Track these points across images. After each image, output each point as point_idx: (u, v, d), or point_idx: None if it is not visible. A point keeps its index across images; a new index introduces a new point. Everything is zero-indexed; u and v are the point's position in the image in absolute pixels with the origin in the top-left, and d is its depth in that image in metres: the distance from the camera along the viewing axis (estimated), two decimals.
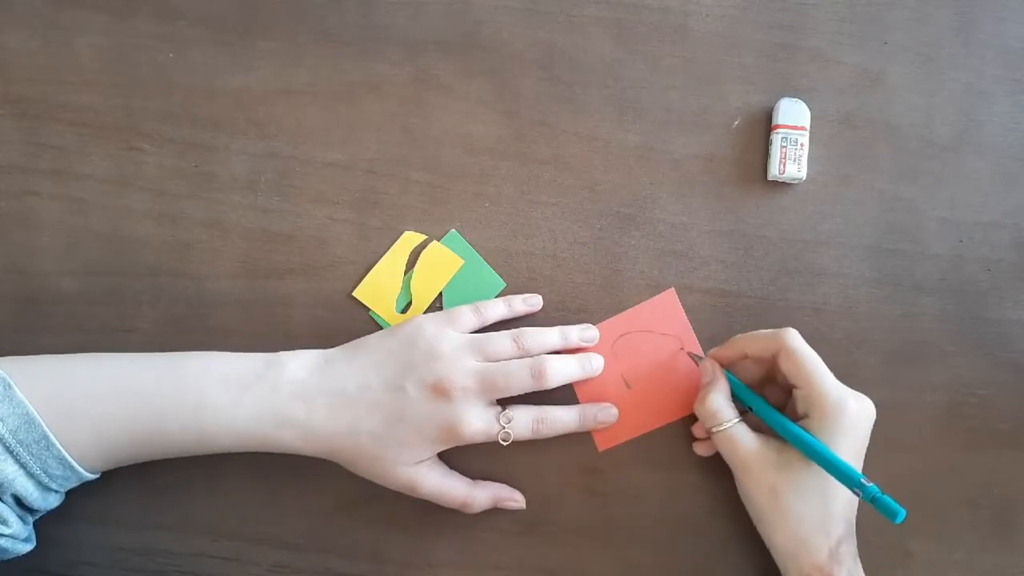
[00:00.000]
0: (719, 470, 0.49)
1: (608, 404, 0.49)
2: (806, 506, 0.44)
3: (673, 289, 0.51)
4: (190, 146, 0.52)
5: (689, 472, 0.50)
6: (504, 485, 0.49)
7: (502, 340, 0.47)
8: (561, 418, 0.47)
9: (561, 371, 0.47)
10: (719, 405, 0.46)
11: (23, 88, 0.52)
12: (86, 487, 0.45)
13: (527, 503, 0.49)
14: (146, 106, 0.52)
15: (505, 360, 0.46)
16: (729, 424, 0.45)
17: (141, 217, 0.51)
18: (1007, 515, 0.50)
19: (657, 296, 0.51)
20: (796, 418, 0.45)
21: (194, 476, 0.49)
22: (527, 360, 0.46)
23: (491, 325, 0.49)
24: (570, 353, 0.49)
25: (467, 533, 0.49)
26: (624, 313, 0.51)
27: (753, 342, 0.47)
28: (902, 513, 0.39)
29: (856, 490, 0.41)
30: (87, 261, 0.51)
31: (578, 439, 0.50)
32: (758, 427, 0.47)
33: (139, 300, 0.51)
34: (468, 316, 0.48)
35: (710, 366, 0.48)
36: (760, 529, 0.46)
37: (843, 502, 0.44)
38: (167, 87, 0.52)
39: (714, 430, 0.46)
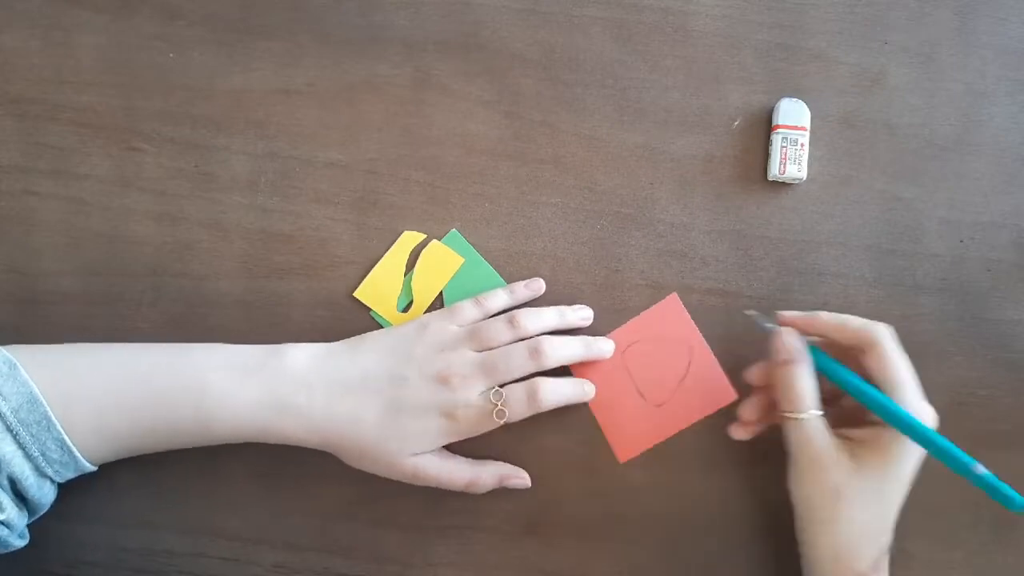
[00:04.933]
0: (719, 470, 0.50)
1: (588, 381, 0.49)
2: (866, 513, 0.42)
3: (676, 294, 0.51)
4: (190, 146, 0.52)
5: (689, 472, 0.50)
6: (508, 464, 0.49)
7: (497, 324, 0.47)
8: (552, 388, 0.46)
9: (560, 349, 0.47)
10: (808, 389, 0.43)
11: (23, 88, 0.52)
12: (87, 486, 0.45)
13: (527, 504, 0.49)
14: (146, 106, 0.52)
15: (503, 344, 0.46)
16: (812, 415, 0.43)
17: (141, 217, 0.51)
18: (1007, 515, 0.50)
19: (660, 302, 0.51)
20: (863, 422, 0.44)
21: (194, 476, 0.49)
22: (525, 341, 0.46)
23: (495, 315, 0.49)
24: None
25: (467, 533, 0.49)
26: (629, 323, 0.51)
27: (841, 329, 0.44)
28: (1020, 500, 0.37)
29: (969, 477, 0.39)
30: (87, 261, 0.51)
31: (581, 440, 0.50)
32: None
33: (139, 300, 0.51)
34: (469, 309, 0.48)
35: (794, 342, 0.44)
36: (804, 527, 0.44)
37: (898, 513, 0.43)
38: (167, 87, 0.52)
39: (793, 416, 0.43)
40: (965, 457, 0.40)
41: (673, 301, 0.51)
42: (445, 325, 0.46)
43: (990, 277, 0.52)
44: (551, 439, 0.49)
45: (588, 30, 0.53)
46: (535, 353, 0.46)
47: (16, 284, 0.51)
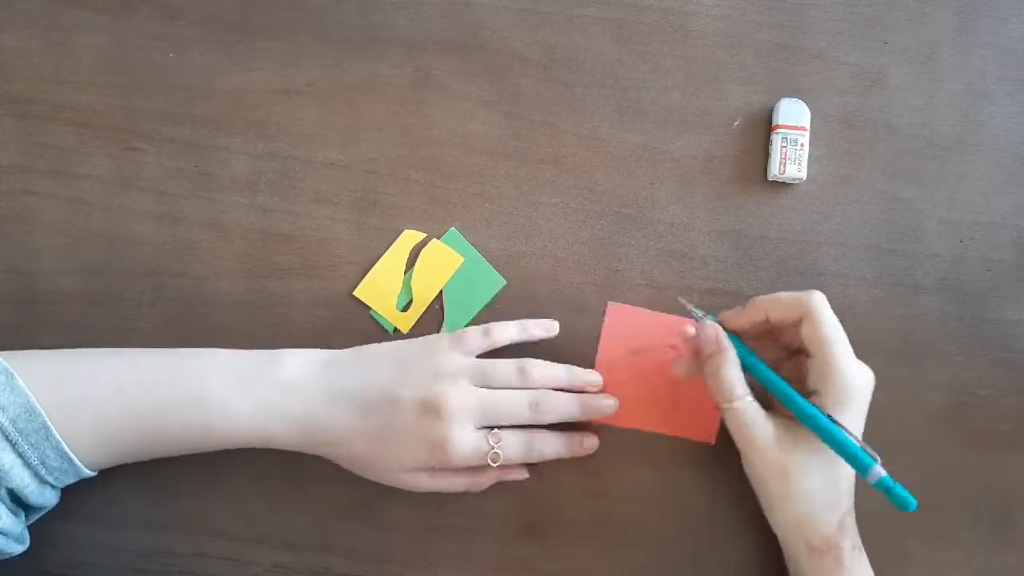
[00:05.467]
0: (718, 469, 0.50)
1: (591, 434, 0.48)
2: (816, 484, 0.43)
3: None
4: (190, 146, 0.52)
5: (689, 471, 0.50)
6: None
7: (507, 369, 0.46)
8: (550, 443, 0.47)
9: (559, 409, 0.46)
10: (733, 378, 0.44)
11: (23, 88, 0.52)
12: (86, 487, 0.45)
13: (527, 504, 0.49)
14: (146, 106, 0.52)
15: (505, 388, 0.45)
16: (742, 401, 0.44)
17: (141, 217, 0.51)
18: (1007, 515, 0.50)
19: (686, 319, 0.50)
20: (804, 392, 0.44)
21: (195, 476, 0.49)
22: (528, 391, 0.45)
23: (502, 349, 0.48)
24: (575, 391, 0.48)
25: (467, 533, 0.49)
26: (651, 313, 0.50)
27: (775, 304, 0.45)
28: (913, 503, 0.38)
29: (867, 477, 0.40)
30: (87, 261, 0.51)
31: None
32: (764, 403, 0.45)
33: (139, 300, 0.51)
34: (476, 338, 0.46)
35: (715, 334, 0.45)
36: (766, 505, 0.46)
37: (850, 477, 0.45)
38: (167, 87, 0.52)
39: (725, 406, 0.44)
40: (864, 456, 0.41)
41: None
42: (450, 353, 0.45)
43: (990, 277, 0.52)
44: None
45: (588, 30, 0.53)
46: (535, 407, 0.45)
47: (16, 284, 0.51)
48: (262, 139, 0.52)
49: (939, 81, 0.53)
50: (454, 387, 0.44)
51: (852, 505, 0.45)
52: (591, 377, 0.48)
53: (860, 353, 0.51)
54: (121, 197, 0.51)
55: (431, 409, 0.43)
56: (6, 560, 0.43)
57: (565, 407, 0.46)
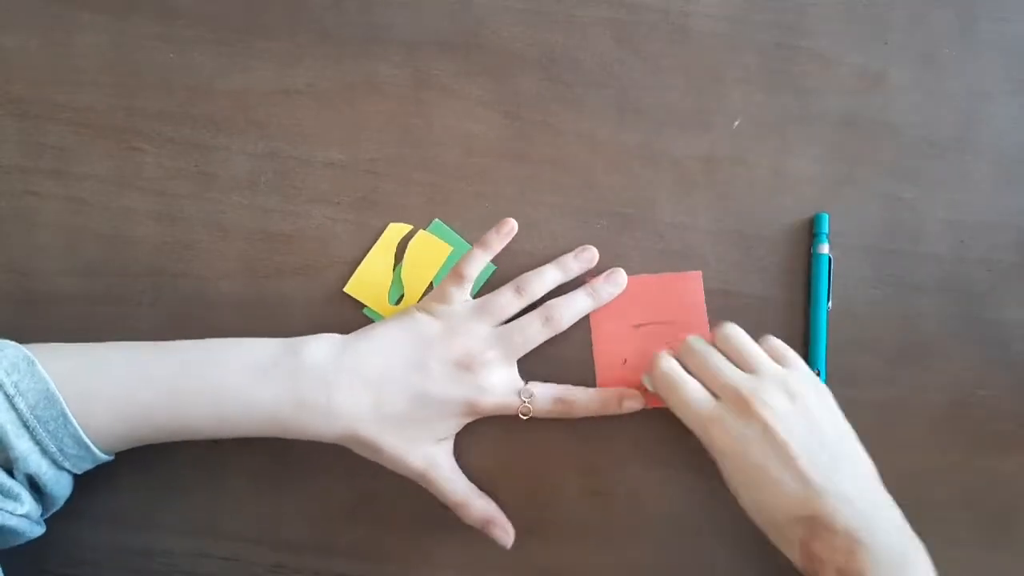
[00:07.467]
0: (718, 470, 0.49)
1: (634, 392, 0.48)
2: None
3: (700, 273, 0.51)
4: (190, 146, 0.52)
5: (689, 471, 0.50)
6: (502, 513, 0.48)
7: (504, 295, 0.47)
8: (581, 397, 0.47)
9: (571, 309, 0.47)
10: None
11: (23, 88, 0.52)
12: (87, 486, 0.45)
13: (527, 504, 0.49)
14: (146, 106, 0.52)
15: (513, 313, 0.47)
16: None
17: (141, 217, 0.51)
18: (1007, 515, 0.50)
19: (683, 273, 0.51)
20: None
21: (195, 476, 0.49)
22: (536, 311, 0.47)
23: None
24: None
25: (467, 533, 0.49)
26: (645, 277, 0.50)
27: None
28: None
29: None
30: (87, 261, 0.51)
31: (578, 440, 0.50)
32: None
33: (139, 300, 0.51)
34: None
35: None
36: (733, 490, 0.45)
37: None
38: (167, 87, 0.52)
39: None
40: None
41: (695, 278, 0.51)
42: (451, 308, 0.47)
43: (990, 277, 0.52)
44: (551, 437, 0.49)
45: (588, 30, 0.53)
46: (548, 320, 0.47)
47: (16, 284, 0.51)
48: (262, 139, 0.52)
49: (939, 81, 0.53)
50: (472, 337, 0.46)
51: (844, 497, 0.41)
52: (586, 255, 0.49)
53: (860, 353, 0.51)
54: (121, 197, 0.51)
55: (462, 365, 0.45)
56: (7, 556, 0.43)
57: (576, 304, 0.48)
